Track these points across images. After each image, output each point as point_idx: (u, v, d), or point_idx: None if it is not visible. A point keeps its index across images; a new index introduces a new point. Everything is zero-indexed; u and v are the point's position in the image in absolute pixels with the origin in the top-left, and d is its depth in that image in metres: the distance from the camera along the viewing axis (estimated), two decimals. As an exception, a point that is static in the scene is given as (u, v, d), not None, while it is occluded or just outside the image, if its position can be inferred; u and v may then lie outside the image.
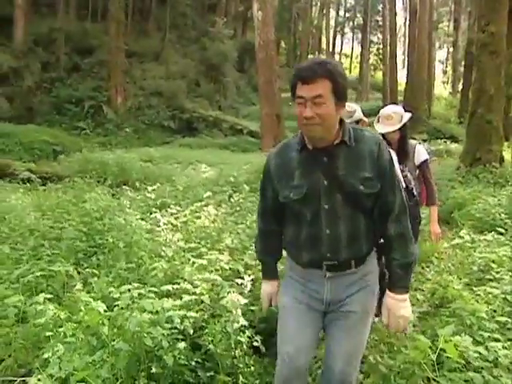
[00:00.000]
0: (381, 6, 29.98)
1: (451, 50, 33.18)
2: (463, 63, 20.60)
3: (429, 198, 2.92)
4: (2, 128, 12.41)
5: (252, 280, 2.41)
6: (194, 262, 2.43)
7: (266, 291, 1.67)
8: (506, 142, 8.00)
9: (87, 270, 2.67)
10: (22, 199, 4.87)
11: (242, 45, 23.37)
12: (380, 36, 31.67)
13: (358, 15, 37.63)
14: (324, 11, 34.46)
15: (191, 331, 1.89)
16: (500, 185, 6.35)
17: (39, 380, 1.61)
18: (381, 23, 30.02)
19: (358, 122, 2.22)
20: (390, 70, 22.10)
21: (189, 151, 13.02)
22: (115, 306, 1.89)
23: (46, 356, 1.69)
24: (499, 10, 7.32)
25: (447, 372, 1.71)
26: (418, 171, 2.85)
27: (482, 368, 1.79)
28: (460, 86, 23.00)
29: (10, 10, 15.72)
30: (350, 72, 38.27)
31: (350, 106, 2.24)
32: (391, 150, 2.34)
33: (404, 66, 29.34)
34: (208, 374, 1.90)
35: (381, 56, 30.95)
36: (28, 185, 6.08)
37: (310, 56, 30.55)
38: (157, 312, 1.85)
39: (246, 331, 2.03)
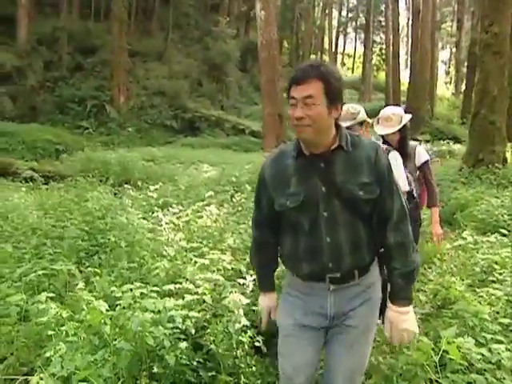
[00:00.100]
0: (383, 6, 29.89)
1: (454, 50, 33.10)
2: (466, 64, 20.55)
3: (430, 200, 2.91)
4: (4, 127, 12.46)
5: (254, 280, 2.40)
6: (196, 262, 2.43)
7: (264, 305, 1.61)
8: (509, 142, 7.96)
9: (89, 269, 2.67)
10: (25, 198, 4.88)
11: (244, 44, 23.36)
12: (383, 36, 31.57)
13: (361, 15, 37.54)
14: (327, 11, 34.45)
15: (193, 331, 1.89)
16: (503, 186, 6.33)
17: (41, 379, 1.62)
18: (383, 23, 29.94)
19: (362, 123, 2.19)
20: (393, 71, 22.07)
21: (191, 151, 13.03)
22: (117, 305, 1.89)
23: (47, 355, 1.69)
24: (503, 10, 7.29)
25: (450, 374, 1.70)
26: (418, 172, 2.84)
27: (485, 370, 1.78)
28: (463, 87, 22.97)
29: (14, 10, 15.77)
30: (353, 72, 38.24)
31: (354, 107, 2.22)
32: (397, 154, 2.34)
33: (407, 67, 29.27)
34: (210, 374, 1.90)
35: (383, 56, 30.86)
36: (30, 184, 6.10)
37: (313, 56, 30.55)
38: (159, 311, 1.85)
39: (248, 331, 2.03)
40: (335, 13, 40.07)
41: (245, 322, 1.98)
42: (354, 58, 41.07)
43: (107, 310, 1.83)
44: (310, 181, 1.35)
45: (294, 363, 1.43)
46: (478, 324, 2.12)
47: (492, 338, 1.97)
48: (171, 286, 2.10)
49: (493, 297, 2.49)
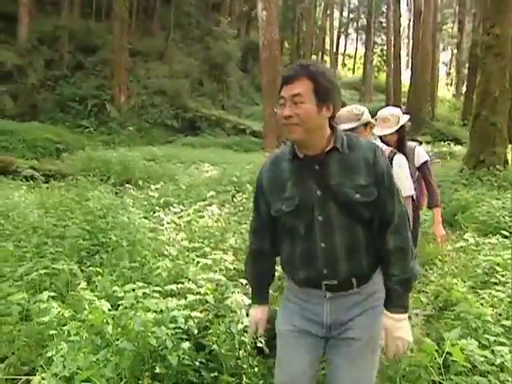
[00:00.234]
0: (385, 7, 29.90)
1: (455, 51, 33.11)
2: (467, 65, 20.56)
3: (431, 200, 2.87)
4: (5, 125, 12.45)
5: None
6: (198, 262, 2.42)
7: (253, 317, 1.56)
8: (510, 144, 7.96)
9: (90, 268, 2.66)
10: (25, 196, 4.88)
11: (245, 44, 23.36)
12: (384, 37, 31.57)
13: (362, 16, 37.54)
14: (328, 12, 34.40)
15: (195, 331, 1.89)
16: (504, 188, 6.32)
17: (43, 378, 1.61)
18: (385, 24, 29.93)
19: (366, 124, 2.18)
20: (394, 72, 22.07)
21: (191, 150, 13.03)
22: (119, 305, 1.89)
23: (49, 354, 1.69)
24: (505, 11, 7.29)
25: (453, 376, 1.70)
26: (418, 173, 2.82)
27: (488, 372, 1.77)
28: (464, 88, 22.98)
29: (15, 8, 15.76)
30: (354, 73, 38.23)
31: (358, 108, 2.21)
32: (402, 157, 2.31)
33: (407, 68, 29.27)
34: (212, 375, 1.89)
35: (384, 57, 30.87)
36: (31, 182, 6.10)
37: (314, 57, 30.52)
38: (161, 311, 1.84)
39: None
40: (336, 13, 40.03)
41: (247, 322, 1.97)
42: (355, 59, 41.06)
43: (109, 310, 1.82)
44: (305, 184, 1.32)
45: (290, 371, 1.40)
46: (480, 326, 2.11)
47: (495, 340, 1.97)
48: (173, 286, 2.10)
49: (495, 299, 2.48)
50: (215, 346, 1.91)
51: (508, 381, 1.72)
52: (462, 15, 25.52)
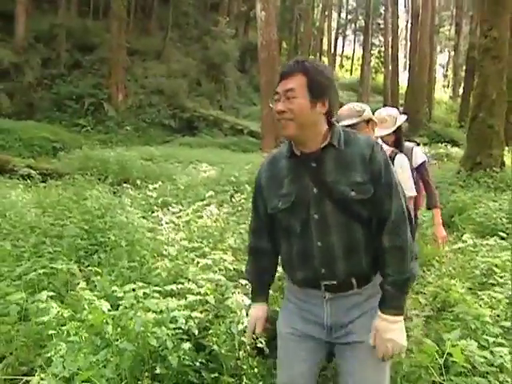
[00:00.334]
0: (383, 8, 30.03)
1: (452, 54, 33.29)
2: (464, 67, 20.68)
3: (430, 201, 2.85)
4: (1, 124, 12.38)
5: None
6: (198, 262, 2.41)
7: (252, 316, 1.54)
8: (507, 146, 8.01)
9: (89, 268, 2.65)
10: (22, 195, 4.84)
11: (243, 45, 23.36)
12: (381, 39, 31.70)
13: (360, 17, 37.64)
14: (326, 13, 34.50)
15: (196, 332, 1.88)
16: (501, 189, 6.36)
17: (42, 379, 1.60)
18: (382, 26, 30.07)
19: (368, 121, 2.17)
20: (391, 73, 22.16)
21: (189, 150, 13.00)
22: (119, 305, 1.88)
23: (48, 355, 1.67)
24: (502, 14, 7.34)
25: (453, 376, 1.70)
26: (415, 174, 2.82)
27: (488, 373, 1.78)
28: (461, 90, 23.10)
29: (12, 6, 15.67)
30: (351, 74, 38.30)
31: (359, 105, 2.21)
32: (404, 157, 2.31)
33: (405, 69, 29.39)
34: (212, 375, 1.89)
35: (382, 59, 30.99)
36: (28, 181, 6.06)
37: (311, 57, 30.56)
38: (161, 312, 1.84)
39: (250, 332, 2.02)
40: (334, 14, 40.15)
41: (247, 322, 1.96)
42: (353, 60, 41.14)
43: (109, 310, 1.81)
44: (301, 181, 1.30)
45: (290, 373, 1.39)
46: (479, 327, 2.12)
47: (494, 341, 1.97)
48: (173, 286, 2.09)
49: (493, 300, 2.49)
50: (215, 347, 1.90)
51: (507, 381, 1.73)
52: (460, 18, 25.65)
